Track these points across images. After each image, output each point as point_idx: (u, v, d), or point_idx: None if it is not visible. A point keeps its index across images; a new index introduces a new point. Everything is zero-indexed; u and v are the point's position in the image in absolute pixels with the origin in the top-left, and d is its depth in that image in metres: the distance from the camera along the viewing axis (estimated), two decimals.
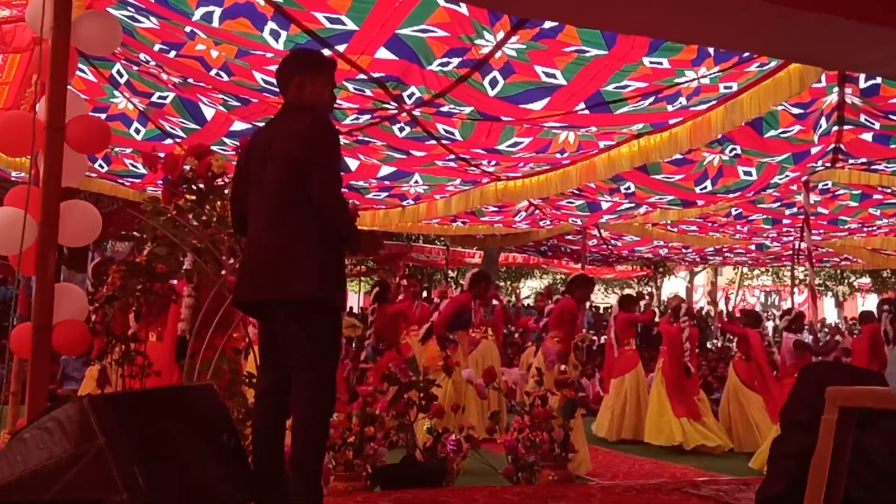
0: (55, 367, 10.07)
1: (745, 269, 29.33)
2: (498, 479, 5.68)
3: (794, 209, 9.84)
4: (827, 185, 8.64)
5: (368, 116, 6.11)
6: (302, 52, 3.95)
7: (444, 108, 5.75)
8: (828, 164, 7.49)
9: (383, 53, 4.82)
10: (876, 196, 9.00)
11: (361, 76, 5.16)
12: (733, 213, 10.44)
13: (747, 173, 7.67)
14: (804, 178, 8.01)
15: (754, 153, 7.02)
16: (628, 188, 8.59)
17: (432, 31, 4.53)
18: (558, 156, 7.12)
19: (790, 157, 7.00)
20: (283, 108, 3.48)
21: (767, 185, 8.11)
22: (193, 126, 6.66)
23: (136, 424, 2.78)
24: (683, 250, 14.89)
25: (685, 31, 4.18)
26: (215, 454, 3.16)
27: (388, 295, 9.44)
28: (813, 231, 9.20)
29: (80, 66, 5.46)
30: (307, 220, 3.19)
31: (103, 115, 6.39)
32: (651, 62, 4.80)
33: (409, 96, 5.51)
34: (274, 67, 5.01)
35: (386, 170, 7.91)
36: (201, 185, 4.62)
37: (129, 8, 4.55)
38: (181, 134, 6.93)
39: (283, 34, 4.62)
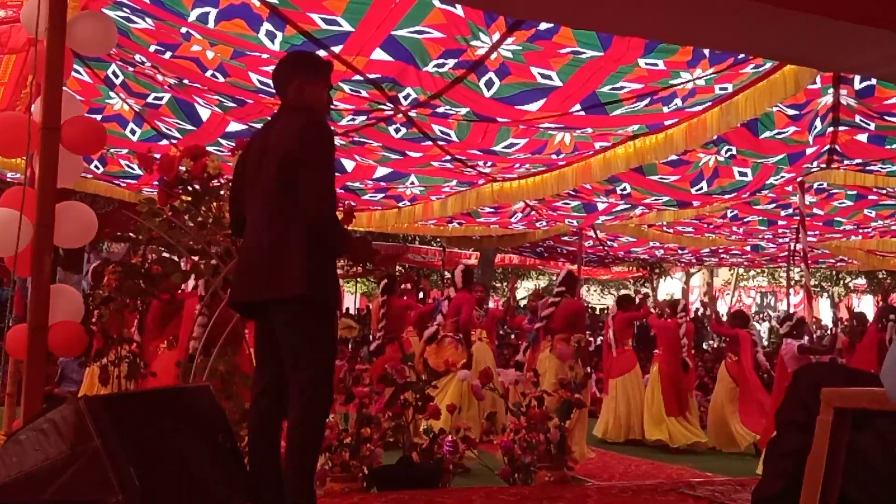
0: (52, 369, 10.05)
1: (741, 271, 29.37)
2: (494, 480, 5.69)
3: (790, 210, 9.85)
4: (822, 185, 8.65)
5: (364, 117, 6.11)
6: (300, 55, 3.95)
7: (440, 110, 5.75)
8: (823, 165, 7.50)
9: (379, 55, 4.82)
10: (871, 197, 9.02)
11: (357, 77, 5.16)
12: (729, 214, 10.46)
13: (742, 174, 7.68)
14: (799, 179, 8.03)
15: (750, 154, 7.03)
16: (624, 189, 8.59)
17: (428, 33, 4.54)
18: (554, 157, 7.13)
19: (785, 158, 7.01)
20: (281, 110, 3.49)
21: (763, 186, 8.12)
22: (189, 127, 6.66)
23: (132, 426, 2.78)
24: (679, 251, 14.89)
25: (680, 32, 4.19)
26: (211, 455, 3.16)
27: (396, 288, 9.48)
28: (808, 232, 9.21)
29: (75, 67, 5.45)
30: (299, 219, 3.19)
31: (99, 117, 6.38)
32: (646, 64, 4.80)
33: (405, 97, 5.51)
34: (270, 69, 5.02)
35: (382, 171, 7.90)
36: (197, 187, 4.62)
37: (124, 9, 4.54)
38: (177, 135, 6.92)
39: (279, 35, 4.61)
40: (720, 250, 14.49)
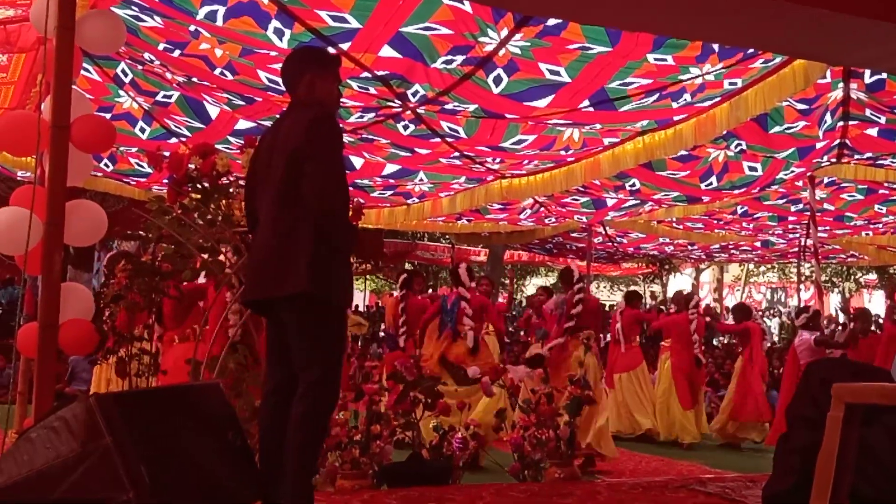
0: (63, 367, 10.10)
1: (751, 266, 29.29)
2: (504, 477, 5.69)
3: (800, 206, 9.82)
4: (833, 180, 8.61)
5: (373, 115, 6.11)
6: (308, 50, 3.92)
7: (449, 106, 5.75)
8: (833, 160, 7.47)
9: (387, 51, 4.82)
10: (882, 191, 8.98)
11: (365, 74, 5.16)
12: (739, 210, 10.42)
13: (752, 169, 7.65)
14: (809, 174, 8.00)
15: (760, 149, 7.00)
16: (633, 185, 8.57)
17: (436, 29, 4.53)
18: (563, 153, 7.12)
19: (795, 153, 6.98)
20: (291, 106, 3.47)
21: (773, 181, 8.09)
22: (198, 125, 6.67)
23: (142, 423, 2.78)
24: (689, 247, 14.85)
25: (690, 27, 4.18)
26: (221, 453, 3.16)
27: (415, 285, 9.48)
28: (819, 227, 9.17)
29: (84, 65, 5.47)
30: (305, 216, 3.17)
31: (108, 115, 6.40)
32: (655, 59, 4.79)
33: (414, 94, 5.51)
34: (278, 66, 5.02)
35: (391, 168, 7.91)
36: (206, 184, 4.62)
37: (133, 7, 4.56)
38: (186, 133, 6.94)
39: (287, 33, 4.62)
40: (730, 246, 14.45)
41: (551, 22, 4.39)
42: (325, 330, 3.22)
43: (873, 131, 6.52)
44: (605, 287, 34.08)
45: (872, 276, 28.61)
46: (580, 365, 6.95)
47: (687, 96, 5.52)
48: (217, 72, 5.32)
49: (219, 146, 6.41)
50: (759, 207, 10.27)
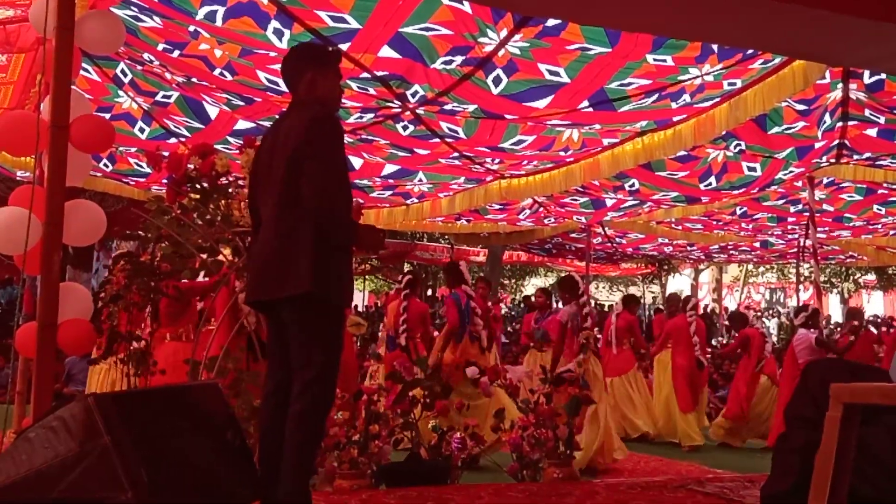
0: (61, 367, 10.09)
1: (750, 267, 29.30)
2: (503, 477, 5.69)
3: (800, 206, 9.82)
4: (832, 180, 8.62)
5: (372, 115, 6.11)
6: (308, 47, 3.90)
7: (448, 107, 5.75)
8: (832, 161, 7.48)
9: (387, 52, 4.82)
10: (881, 191, 8.98)
11: (365, 75, 5.16)
12: (738, 211, 10.43)
13: (751, 169, 7.65)
14: (808, 175, 8.00)
15: (759, 149, 7.01)
16: (633, 185, 8.58)
17: (436, 30, 4.53)
18: (562, 153, 7.12)
19: (794, 152, 6.99)
20: (292, 105, 3.46)
21: (772, 181, 8.09)
22: (198, 125, 6.67)
23: (140, 423, 2.78)
24: (688, 248, 14.86)
25: (689, 28, 4.18)
26: (220, 453, 3.16)
27: (419, 289, 9.47)
28: (818, 228, 9.18)
29: (84, 65, 5.47)
30: (305, 216, 3.17)
31: (108, 115, 6.40)
32: (655, 59, 4.79)
33: (413, 95, 5.51)
34: (278, 67, 5.02)
35: (390, 168, 7.91)
36: (205, 184, 4.63)
37: (132, 7, 4.55)
38: (185, 133, 6.94)
39: (287, 33, 4.62)
40: (729, 246, 14.46)
41: (551, 22, 4.39)
42: (323, 329, 3.22)
43: (872, 132, 6.53)
44: (604, 287, 34.09)
45: (871, 277, 28.63)
46: (579, 365, 6.95)
47: (686, 97, 5.52)
48: (216, 72, 5.32)
49: (218, 146, 6.41)
50: (758, 208, 10.28)
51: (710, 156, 7.45)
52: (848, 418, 2.60)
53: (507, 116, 5.94)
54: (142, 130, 6.96)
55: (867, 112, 6.09)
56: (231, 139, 6.85)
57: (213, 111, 6.46)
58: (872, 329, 13.91)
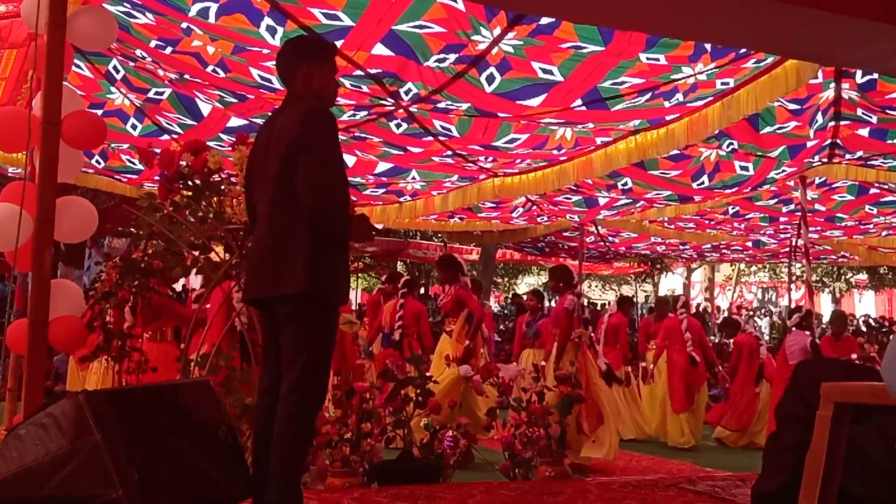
0: (51, 364, 10.06)
1: (742, 266, 29.37)
2: (495, 475, 5.70)
3: (792, 206, 9.84)
4: (824, 179, 8.64)
5: (365, 113, 6.10)
6: (305, 41, 3.85)
7: (441, 105, 5.74)
8: (825, 160, 7.49)
9: (380, 50, 4.81)
10: (873, 191, 9.01)
11: (358, 72, 5.15)
12: (730, 211, 10.44)
13: (744, 168, 7.66)
14: (800, 174, 8.02)
15: (751, 148, 7.02)
16: (625, 184, 8.58)
17: (429, 28, 4.53)
18: (555, 152, 7.12)
19: (786, 151, 7.00)
20: (287, 100, 3.44)
21: (764, 181, 8.11)
22: (190, 122, 6.65)
23: (132, 420, 2.78)
24: (681, 247, 14.87)
25: (682, 27, 4.18)
26: (211, 450, 3.16)
27: (416, 290, 9.51)
28: (810, 228, 9.20)
29: (76, 61, 5.45)
30: (300, 213, 3.15)
31: (100, 111, 6.38)
32: (648, 58, 4.79)
33: (406, 93, 5.50)
34: (271, 64, 5.03)
35: (383, 166, 7.89)
36: (197, 181, 4.62)
37: (124, 4, 4.54)
38: (178, 130, 6.92)
39: (280, 30, 4.61)
40: (721, 246, 14.47)
41: (544, 21, 4.38)
42: (316, 327, 3.21)
43: (864, 131, 6.54)
44: (596, 286, 34.14)
45: (863, 276, 28.73)
46: (571, 364, 6.95)
47: (679, 96, 5.52)
48: (209, 69, 5.30)
49: (210, 143, 6.40)
50: (750, 208, 10.29)
51: (702, 155, 7.46)
52: (838, 417, 2.61)
53: (501, 115, 5.94)
54: (134, 127, 6.94)
55: (859, 111, 6.10)
56: (224, 136, 6.83)
57: (205, 108, 6.44)
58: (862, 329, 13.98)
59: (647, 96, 5.47)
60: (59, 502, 2.59)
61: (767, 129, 6.45)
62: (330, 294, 3.22)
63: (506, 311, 21.85)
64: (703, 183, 8.16)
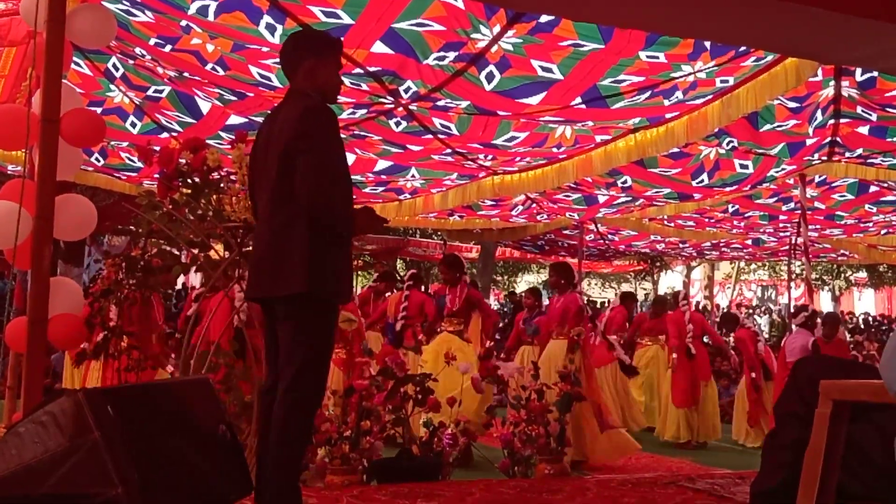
0: (49, 363, 10.05)
1: (742, 264, 29.37)
2: (494, 473, 5.70)
3: (791, 204, 9.84)
4: (824, 178, 8.64)
5: (365, 111, 6.10)
6: (310, 35, 3.80)
7: (441, 103, 5.74)
8: (824, 158, 7.49)
9: (379, 48, 4.81)
10: (872, 189, 9.01)
11: (357, 70, 5.15)
12: (730, 209, 10.44)
13: (744, 166, 7.66)
14: (800, 172, 8.02)
15: (751, 146, 7.02)
16: (625, 182, 8.58)
17: (428, 25, 4.52)
18: (555, 150, 7.12)
19: (785, 148, 6.99)
20: (288, 94, 3.40)
21: (764, 179, 8.11)
22: (189, 120, 6.65)
23: (131, 418, 2.77)
24: (680, 245, 14.88)
25: (682, 25, 4.18)
26: (211, 448, 3.16)
27: (422, 284, 9.57)
28: (810, 226, 9.19)
29: (75, 59, 5.45)
30: (300, 212, 3.14)
31: (99, 109, 6.37)
32: (647, 56, 4.79)
33: (406, 91, 5.50)
34: (270, 62, 5.03)
35: (382, 164, 7.89)
36: (196, 179, 4.62)
37: (123, 2, 4.54)
38: (177, 128, 6.91)
39: (279, 28, 4.60)
40: (721, 244, 14.48)
41: (544, 18, 4.38)
42: (315, 326, 3.19)
43: (864, 129, 6.54)
44: (596, 284, 34.14)
45: (862, 275, 28.74)
46: (571, 362, 6.96)
47: (679, 94, 5.52)
48: (208, 67, 5.30)
49: (210, 141, 6.39)
50: (750, 206, 10.29)
51: (702, 153, 7.46)
52: (837, 415, 2.61)
53: (500, 113, 5.93)
54: (133, 125, 6.94)
55: (859, 109, 6.10)
56: (223, 134, 6.83)
57: (205, 106, 6.44)
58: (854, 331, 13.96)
59: (647, 94, 5.47)
60: (58, 500, 2.59)
61: (767, 127, 6.45)
62: (330, 294, 3.21)
63: (505, 310, 21.84)
64: (702, 181, 8.16)
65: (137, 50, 5.34)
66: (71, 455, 2.61)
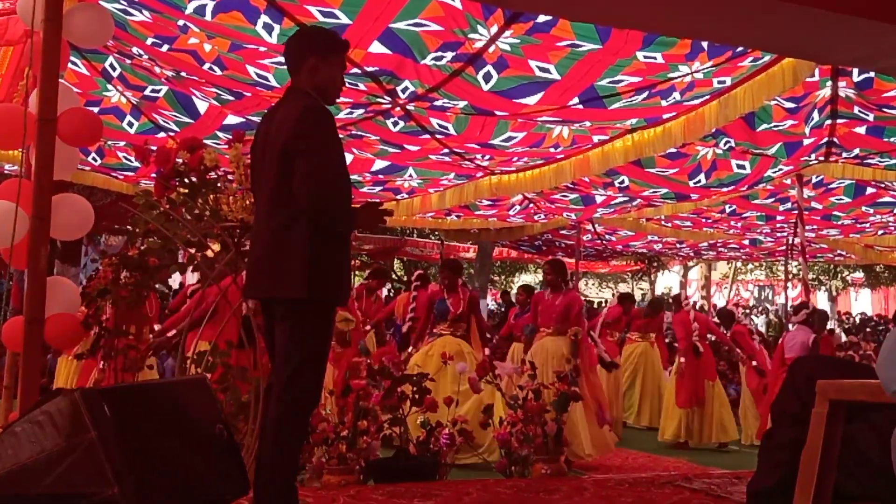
0: (45, 362, 10.03)
1: (739, 264, 29.40)
2: (491, 473, 5.70)
3: (788, 205, 9.85)
4: (821, 178, 8.65)
5: (362, 111, 6.10)
6: (316, 32, 3.75)
7: (438, 103, 5.74)
8: (821, 158, 7.50)
9: (377, 47, 4.81)
10: (869, 190, 9.02)
11: (355, 70, 5.15)
12: (727, 210, 10.45)
13: (741, 167, 7.67)
14: (797, 173, 8.03)
15: (748, 146, 7.03)
16: (622, 182, 8.59)
17: (426, 25, 4.52)
18: (552, 150, 7.12)
19: (782, 148, 7.00)
20: (288, 92, 3.38)
21: (761, 179, 8.12)
22: (187, 120, 6.64)
23: (127, 418, 2.77)
24: (678, 245, 14.89)
25: (679, 25, 4.19)
26: (207, 448, 3.16)
27: (429, 284, 9.58)
28: (806, 226, 9.20)
29: (72, 59, 5.45)
30: (298, 214, 3.13)
31: (96, 109, 6.37)
32: (645, 57, 4.79)
33: (403, 90, 5.50)
34: (267, 62, 5.03)
35: (380, 164, 7.90)
36: (194, 179, 4.61)
37: (121, 1, 4.53)
38: (174, 128, 6.91)
39: (277, 28, 4.60)
40: (718, 244, 14.49)
41: (541, 19, 4.38)
42: (312, 327, 3.18)
43: (861, 129, 6.55)
44: (593, 284, 34.16)
45: (859, 275, 28.76)
46: (568, 361, 6.95)
47: (676, 94, 5.53)
48: (206, 67, 5.30)
49: (207, 141, 6.39)
50: (747, 206, 10.30)
51: (699, 153, 7.47)
52: (834, 415, 2.62)
53: (498, 113, 5.94)
54: (130, 125, 6.93)
55: (856, 109, 6.11)
56: (220, 134, 6.82)
57: (202, 106, 6.43)
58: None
59: (644, 95, 5.47)
60: (55, 500, 2.59)
61: (764, 127, 6.45)
62: (329, 296, 3.20)
63: (502, 310, 21.83)
64: (699, 181, 8.17)
65: (134, 49, 5.33)
66: (67, 455, 2.61)
